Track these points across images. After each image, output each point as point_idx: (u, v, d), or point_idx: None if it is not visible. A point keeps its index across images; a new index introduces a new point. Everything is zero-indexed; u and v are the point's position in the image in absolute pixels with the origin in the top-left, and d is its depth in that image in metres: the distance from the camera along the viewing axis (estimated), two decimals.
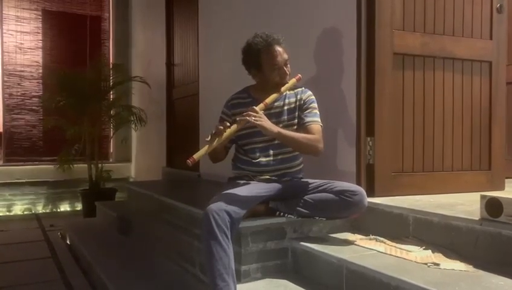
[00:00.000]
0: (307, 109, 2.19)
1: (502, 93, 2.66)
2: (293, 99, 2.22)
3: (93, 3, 6.54)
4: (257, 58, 2.15)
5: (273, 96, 2.12)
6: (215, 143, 1.90)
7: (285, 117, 2.20)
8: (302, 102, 2.21)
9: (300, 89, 2.25)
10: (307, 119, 2.16)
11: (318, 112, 2.20)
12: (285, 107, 2.21)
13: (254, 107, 2.02)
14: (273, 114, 2.18)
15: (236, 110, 2.22)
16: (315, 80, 2.65)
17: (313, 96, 2.24)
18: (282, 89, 2.16)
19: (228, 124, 1.95)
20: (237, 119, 1.99)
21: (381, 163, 2.37)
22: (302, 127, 2.17)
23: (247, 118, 1.95)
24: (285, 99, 2.22)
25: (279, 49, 2.15)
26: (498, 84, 2.64)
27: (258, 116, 1.98)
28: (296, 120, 2.20)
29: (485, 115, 2.62)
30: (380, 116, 2.37)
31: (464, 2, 2.56)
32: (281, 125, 2.15)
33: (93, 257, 2.99)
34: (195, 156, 1.84)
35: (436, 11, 2.50)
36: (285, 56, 2.16)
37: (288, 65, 2.19)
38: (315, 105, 2.21)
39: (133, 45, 6.48)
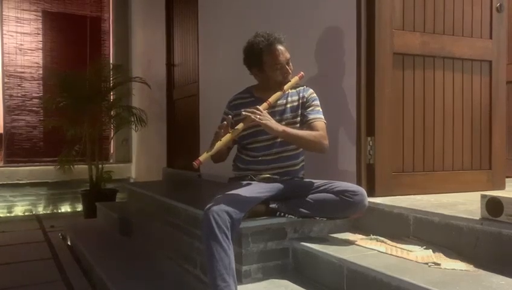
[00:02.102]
0: (309, 106, 2.20)
1: (502, 92, 2.66)
2: (295, 98, 2.23)
3: (93, 4, 6.54)
4: (259, 57, 2.15)
5: (276, 95, 2.13)
6: (220, 144, 1.90)
7: (288, 115, 2.20)
8: (304, 100, 2.22)
9: (302, 87, 2.25)
10: (311, 116, 2.16)
11: (321, 110, 2.20)
12: (288, 105, 2.22)
13: (258, 106, 2.02)
14: (276, 112, 2.18)
15: (238, 110, 2.21)
16: (315, 79, 2.65)
17: (315, 94, 2.24)
18: (285, 87, 2.16)
19: (231, 116, 1.98)
20: (243, 112, 1.99)
21: (381, 163, 2.37)
22: (306, 124, 2.17)
23: (252, 116, 1.95)
24: (287, 97, 2.22)
25: (281, 48, 2.14)
26: (498, 84, 2.64)
27: (263, 115, 1.98)
28: (299, 118, 2.21)
29: (486, 114, 2.62)
30: (380, 116, 2.37)
31: (463, 1, 2.56)
32: (284, 123, 2.15)
33: (94, 257, 2.99)
34: (201, 158, 1.85)
35: (436, 10, 2.50)
36: (287, 55, 2.16)
37: (290, 64, 2.19)
38: (317, 103, 2.21)
39: (133, 45, 6.48)
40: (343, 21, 2.52)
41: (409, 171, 2.45)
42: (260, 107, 2.01)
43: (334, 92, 2.57)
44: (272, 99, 2.10)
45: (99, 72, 5.39)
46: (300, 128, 2.18)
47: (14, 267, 3.27)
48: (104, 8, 6.64)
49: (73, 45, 6.28)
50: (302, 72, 2.23)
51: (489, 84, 2.62)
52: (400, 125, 2.43)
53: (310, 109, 2.19)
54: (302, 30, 2.81)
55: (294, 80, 2.20)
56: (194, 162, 1.82)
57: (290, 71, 2.19)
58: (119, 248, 3.25)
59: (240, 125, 1.96)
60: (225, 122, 1.95)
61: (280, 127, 2.04)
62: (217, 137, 1.94)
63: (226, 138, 1.92)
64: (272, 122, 2.01)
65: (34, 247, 3.88)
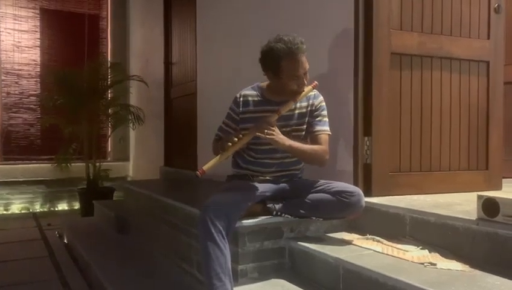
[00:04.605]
0: (317, 116, 2.16)
1: (499, 93, 2.66)
2: (304, 104, 2.16)
3: (91, 1, 6.53)
4: (277, 64, 2.03)
5: (288, 105, 2.07)
6: (224, 155, 1.91)
7: (295, 121, 2.15)
8: (313, 108, 2.16)
9: (312, 94, 2.18)
10: (317, 128, 2.14)
11: (327, 120, 2.17)
12: (296, 111, 2.15)
13: (268, 118, 1.98)
14: (282, 117, 2.10)
15: (245, 108, 2.17)
16: (313, 78, 2.65)
17: (324, 103, 2.19)
18: (298, 98, 2.10)
19: (241, 135, 1.96)
20: (249, 130, 1.99)
21: (378, 162, 2.37)
22: (311, 135, 2.15)
23: (258, 133, 1.95)
24: (296, 103, 2.15)
25: (302, 59, 2.03)
26: (495, 84, 2.64)
27: (271, 130, 1.96)
28: (305, 126, 2.17)
29: (483, 115, 2.63)
30: (377, 116, 2.37)
31: (461, 1, 2.56)
32: (288, 129, 2.12)
33: (90, 256, 2.99)
34: (205, 167, 1.85)
35: (434, 10, 2.50)
36: (307, 65, 2.06)
37: (307, 74, 2.10)
38: (325, 112, 2.18)
39: (131, 43, 6.47)
40: (341, 21, 2.51)
41: (406, 171, 2.45)
42: (270, 119, 1.98)
43: (332, 92, 2.56)
44: (283, 110, 2.05)
45: (97, 70, 5.37)
46: (305, 136, 2.16)
47: (10, 265, 3.26)
48: (102, 6, 6.63)
49: (71, 42, 6.27)
50: (316, 82, 2.16)
51: (487, 85, 2.63)
52: (397, 125, 2.43)
53: (318, 119, 2.15)
54: (300, 28, 2.79)
55: (307, 89, 2.12)
56: (197, 171, 1.83)
57: (306, 82, 2.11)
58: (116, 246, 3.25)
59: (246, 137, 1.97)
60: (235, 138, 1.94)
61: (286, 142, 2.01)
62: (223, 146, 1.94)
63: (231, 148, 1.93)
64: (278, 138, 1.98)
65: (31, 245, 3.88)
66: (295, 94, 2.09)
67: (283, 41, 2.01)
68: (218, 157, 1.91)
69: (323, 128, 2.14)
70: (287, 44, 2.00)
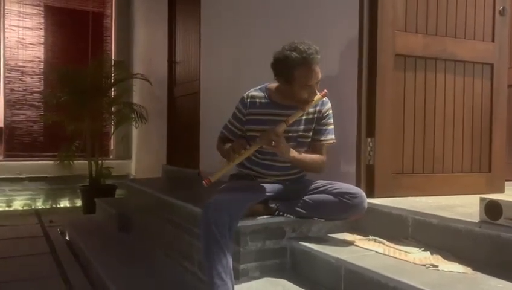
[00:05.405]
0: (324, 124, 2.15)
1: (503, 95, 2.66)
2: (312, 110, 2.14)
3: None
4: (290, 72, 2.01)
5: (296, 114, 2.05)
6: (230, 165, 1.95)
7: (302, 127, 2.13)
8: (320, 115, 2.15)
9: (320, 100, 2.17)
10: (322, 137, 2.15)
11: (333, 127, 2.17)
12: (304, 117, 2.13)
13: (276, 129, 1.96)
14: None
15: (252, 109, 2.15)
16: None
17: (331, 110, 2.18)
18: (307, 107, 2.08)
19: (248, 146, 1.98)
20: (256, 140, 2.00)
21: (381, 164, 2.37)
22: (314, 142, 2.16)
23: (266, 144, 1.96)
24: (305, 111, 2.13)
25: (315, 69, 2.02)
26: (499, 87, 2.64)
27: (277, 142, 1.96)
28: (311, 132, 2.16)
29: (486, 118, 2.62)
30: (380, 117, 2.36)
31: (466, 4, 2.56)
32: (295, 134, 2.12)
33: (92, 253, 3.00)
34: (212, 178, 1.86)
35: (439, 12, 2.50)
36: (319, 76, 2.04)
37: (319, 83, 2.08)
38: (332, 120, 2.17)
39: (135, 42, 6.47)
40: (344, 21, 2.51)
41: (409, 173, 2.45)
42: (278, 130, 1.97)
43: (335, 93, 2.55)
44: (291, 119, 2.03)
45: (100, 68, 5.38)
46: (309, 142, 2.17)
47: (12, 262, 3.27)
48: (106, 4, 6.64)
49: (75, 40, 6.28)
50: (325, 90, 2.13)
51: (491, 88, 2.62)
52: (400, 126, 2.43)
53: (324, 127, 2.15)
54: (303, 29, 2.80)
55: (317, 98, 2.09)
56: (204, 181, 1.85)
57: (317, 92, 2.09)
58: (118, 244, 3.25)
59: (252, 148, 1.99)
60: (242, 150, 1.95)
61: (291, 153, 2.02)
62: (229, 156, 1.96)
63: (237, 159, 1.96)
64: (284, 150, 2.00)
65: (33, 242, 3.88)
66: (305, 102, 2.07)
67: (298, 50, 1.98)
68: (224, 167, 1.95)
69: (328, 137, 2.15)
70: (302, 54, 1.98)
